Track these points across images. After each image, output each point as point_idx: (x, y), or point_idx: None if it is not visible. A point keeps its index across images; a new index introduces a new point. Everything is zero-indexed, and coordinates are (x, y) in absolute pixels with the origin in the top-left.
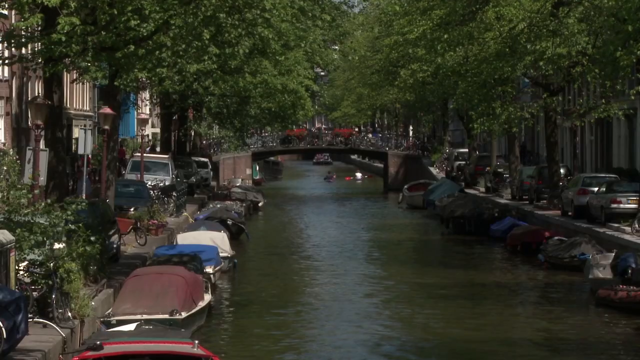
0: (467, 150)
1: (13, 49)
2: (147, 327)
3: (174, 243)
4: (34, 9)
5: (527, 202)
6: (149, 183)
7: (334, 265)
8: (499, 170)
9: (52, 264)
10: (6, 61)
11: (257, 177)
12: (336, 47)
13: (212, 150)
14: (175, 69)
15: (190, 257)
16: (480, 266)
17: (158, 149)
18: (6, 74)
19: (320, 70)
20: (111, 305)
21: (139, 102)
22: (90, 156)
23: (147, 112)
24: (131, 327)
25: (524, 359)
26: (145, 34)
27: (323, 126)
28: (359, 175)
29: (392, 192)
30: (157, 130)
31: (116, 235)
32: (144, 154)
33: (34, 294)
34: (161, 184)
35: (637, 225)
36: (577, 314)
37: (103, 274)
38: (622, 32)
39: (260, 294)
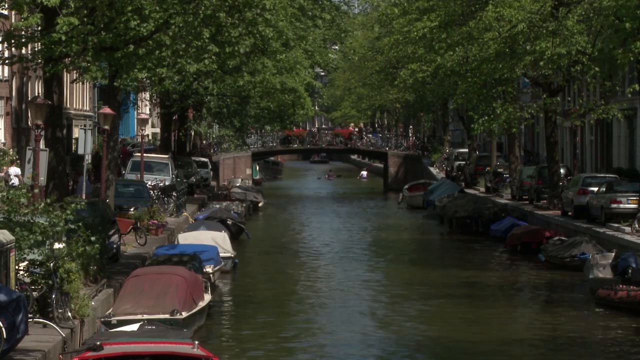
0: (467, 150)
1: (13, 49)
2: (149, 327)
3: (175, 243)
4: (34, 9)
5: (527, 202)
6: (149, 183)
7: (334, 265)
8: (499, 170)
9: (52, 264)
10: (6, 61)
11: (257, 177)
12: (336, 47)
13: (212, 150)
14: (175, 69)
15: (190, 257)
16: (480, 266)
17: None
18: (6, 74)
19: (320, 70)
20: (111, 305)
21: (139, 102)
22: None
23: (147, 112)
24: (134, 327)
25: (524, 359)
26: (145, 34)
27: (343, 125)
28: (364, 173)
29: (392, 192)
30: (157, 130)
31: (116, 235)
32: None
33: (34, 294)
34: (161, 184)
35: (637, 225)
36: (577, 314)
37: (103, 274)
38: (620, 30)
39: (260, 294)
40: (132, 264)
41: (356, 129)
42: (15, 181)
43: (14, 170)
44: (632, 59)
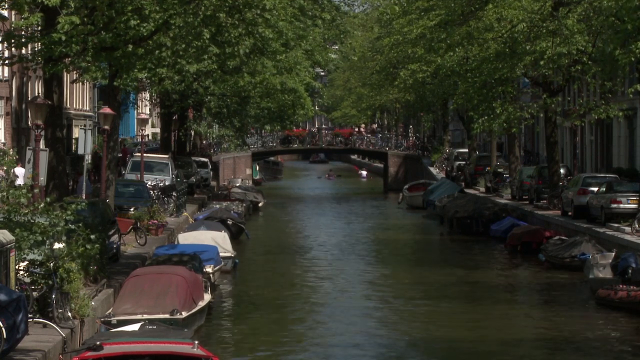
0: (467, 150)
1: (13, 49)
2: (150, 327)
3: (175, 243)
4: (34, 8)
5: (527, 202)
6: (149, 183)
7: (334, 265)
8: (499, 170)
9: (52, 264)
10: (6, 61)
11: (257, 177)
12: (336, 47)
13: (212, 150)
14: (175, 69)
15: (190, 257)
16: (480, 266)
17: None
18: (6, 74)
19: (320, 70)
20: (111, 305)
21: (139, 102)
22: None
23: (147, 112)
24: (134, 327)
25: (523, 359)
26: (145, 34)
27: (343, 125)
28: (364, 173)
29: (392, 192)
30: (157, 130)
31: (116, 235)
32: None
33: (34, 294)
34: (161, 184)
35: (637, 225)
36: (577, 314)
37: (103, 274)
38: (621, 31)
39: (260, 294)
40: (132, 264)
41: (366, 128)
42: (20, 181)
43: (20, 170)
44: (632, 59)
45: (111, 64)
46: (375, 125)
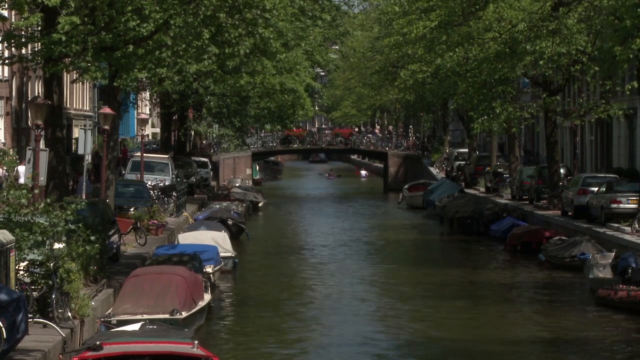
0: (467, 150)
1: (13, 49)
2: (150, 327)
3: (175, 243)
4: (34, 8)
5: (527, 202)
6: (149, 183)
7: (333, 264)
8: (499, 170)
9: (52, 264)
10: (6, 61)
11: (257, 177)
12: (336, 47)
13: (212, 150)
14: (175, 69)
15: (190, 257)
16: (481, 266)
17: None
18: (6, 74)
19: (320, 70)
20: (111, 305)
21: (139, 102)
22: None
23: (147, 112)
24: (134, 327)
25: (523, 359)
26: (145, 34)
27: (343, 125)
28: (363, 173)
29: (392, 192)
30: (157, 130)
31: (116, 235)
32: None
33: (34, 294)
34: (161, 184)
35: (637, 225)
36: (577, 314)
37: (103, 274)
38: (620, 29)
39: (260, 294)
40: (132, 264)
41: (380, 130)
42: (22, 179)
43: (21, 168)
44: (631, 56)
45: (111, 64)
46: (390, 127)
